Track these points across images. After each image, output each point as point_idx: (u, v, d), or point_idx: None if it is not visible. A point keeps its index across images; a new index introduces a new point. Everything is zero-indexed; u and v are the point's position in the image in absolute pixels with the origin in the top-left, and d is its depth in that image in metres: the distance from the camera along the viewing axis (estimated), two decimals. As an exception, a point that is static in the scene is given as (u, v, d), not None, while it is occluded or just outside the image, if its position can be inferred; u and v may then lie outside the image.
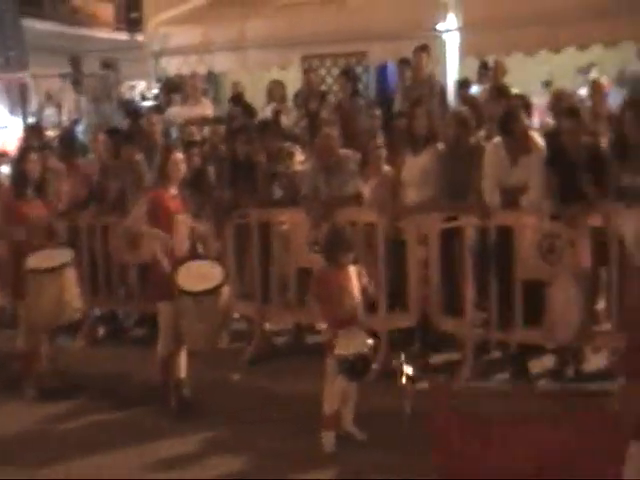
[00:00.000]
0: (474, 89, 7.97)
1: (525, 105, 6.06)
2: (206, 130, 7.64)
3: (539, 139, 5.29)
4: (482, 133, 5.97)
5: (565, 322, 4.86)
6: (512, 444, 3.31)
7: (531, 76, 8.19)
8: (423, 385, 4.35)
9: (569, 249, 4.90)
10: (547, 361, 5.51)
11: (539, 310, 4.99)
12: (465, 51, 7.93)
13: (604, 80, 6.30)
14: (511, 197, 5.13)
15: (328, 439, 4.41)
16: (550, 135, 5.67)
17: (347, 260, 4.42)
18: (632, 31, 6.89)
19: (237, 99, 8.46)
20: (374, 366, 5.02)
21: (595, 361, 5.50)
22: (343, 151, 5.92)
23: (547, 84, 7.13)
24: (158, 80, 10.04)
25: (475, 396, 4.52)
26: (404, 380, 4.02)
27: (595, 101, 5.88)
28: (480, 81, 7.82)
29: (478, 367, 5.36)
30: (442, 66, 7.98)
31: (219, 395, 5.35)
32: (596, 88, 6.14)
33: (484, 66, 7.77)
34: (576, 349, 5.29)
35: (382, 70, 9.13)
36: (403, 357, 4.13)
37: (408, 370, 4.04)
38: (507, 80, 7.23)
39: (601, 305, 5.71)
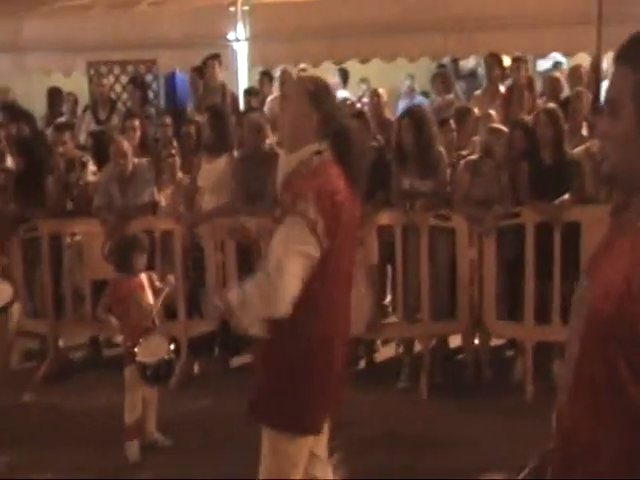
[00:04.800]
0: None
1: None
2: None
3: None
4: (274, 139, 6.18)
5: (358, 315, 5.15)
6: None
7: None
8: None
9: (359, 247, 5.20)
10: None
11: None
12: (254, 61, 8.13)
13: (382, 90, 6.81)
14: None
15: (132, 449, 4.34)
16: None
17: (138, 266, 4.38)
18: (405, 49, 7.55)
19: (8, 106, 7.96)
20: (175, 372, 5.05)
21: (385, 351, 5.91)
22: (137, 159, 5.85)
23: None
24: None
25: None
26: None
27: (374, 109, 6.29)
28: (263, 90, 8.04)
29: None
30: (233, 75, 8.13)
31: (11, 418, 5.04)
32: (375, 97, 6.61)
33: (267, 75, 8.01)
34: (369, 341, 5.64)
35: (171, 78, 9.10)
36: None
37: None
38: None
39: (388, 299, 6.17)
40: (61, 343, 6.04)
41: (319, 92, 2.63)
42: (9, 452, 4.55)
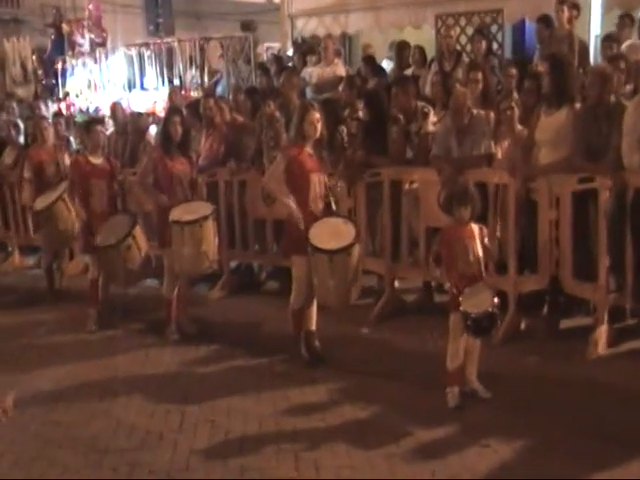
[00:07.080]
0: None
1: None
2: (339, 90, 7.77)
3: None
4: (629, 88, 5.74)
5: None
6: None
7: None
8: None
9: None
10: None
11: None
12: (610, 3, 7.52)
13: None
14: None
15: (452, 394, 4.48)
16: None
17: (464, 214, 4.43)
18: None
19: (369, 60, 8.53)
20: (500, 326, 5.06)
21: None
22: (476, 111, 5.87)
23: None
24: (294, 42, 10.24)
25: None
26: None
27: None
28: (620, 35, 7.36)
29: (611, 334, 5.23)
30: (584, 20, 7.65)
31: (348, 348, 5.53)
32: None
33: (628, 17, 7.29)
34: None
35: (520, 29, 8.86)
36: None
37: None
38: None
39: None
40: (397, 284, 6.41)
41: None
42: (343, 377, 5.02)
